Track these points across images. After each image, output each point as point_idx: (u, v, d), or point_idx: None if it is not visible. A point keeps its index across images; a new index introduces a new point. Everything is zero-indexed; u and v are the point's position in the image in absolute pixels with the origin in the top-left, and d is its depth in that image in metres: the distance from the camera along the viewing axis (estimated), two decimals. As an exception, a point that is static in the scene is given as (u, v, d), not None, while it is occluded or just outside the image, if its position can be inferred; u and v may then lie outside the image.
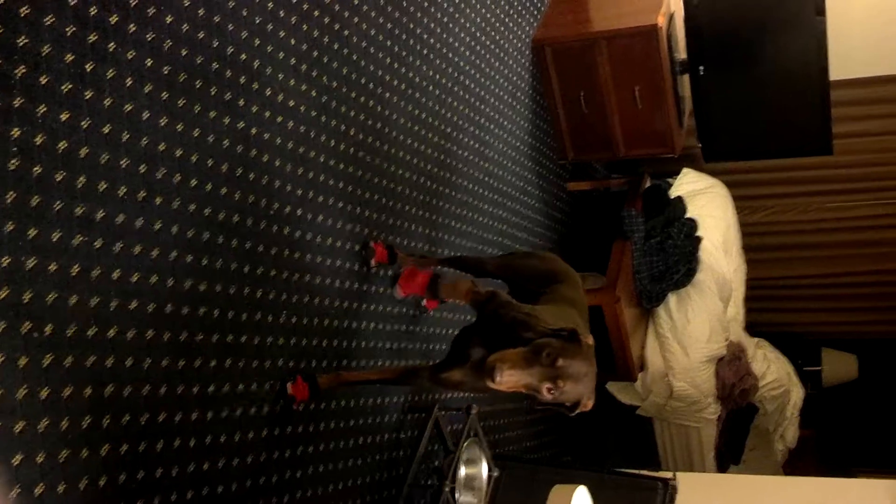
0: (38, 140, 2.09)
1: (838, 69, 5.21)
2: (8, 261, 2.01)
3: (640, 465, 4.32)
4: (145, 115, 2.41)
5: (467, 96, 4.33)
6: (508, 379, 2.28)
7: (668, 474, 4.07)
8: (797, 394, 6.11)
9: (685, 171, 5.85)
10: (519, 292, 3.07)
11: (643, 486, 4.03)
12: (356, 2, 3.44)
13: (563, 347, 2.33)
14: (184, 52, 2.56)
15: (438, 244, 4.00)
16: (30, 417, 2.05)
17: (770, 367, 5.93)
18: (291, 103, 3.04)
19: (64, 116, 2.16)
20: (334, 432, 3.24)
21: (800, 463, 6.50)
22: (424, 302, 3.79)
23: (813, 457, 6.88)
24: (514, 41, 4.92)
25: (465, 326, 2.88)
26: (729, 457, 6.05)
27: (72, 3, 2.18)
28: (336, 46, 3.31)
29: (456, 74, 4.23)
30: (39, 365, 2.08)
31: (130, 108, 2.36)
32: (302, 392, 2.99)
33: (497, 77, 4.68)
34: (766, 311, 6.87)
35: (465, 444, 3.52)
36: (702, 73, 5.13)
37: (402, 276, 3.58)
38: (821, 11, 4.79)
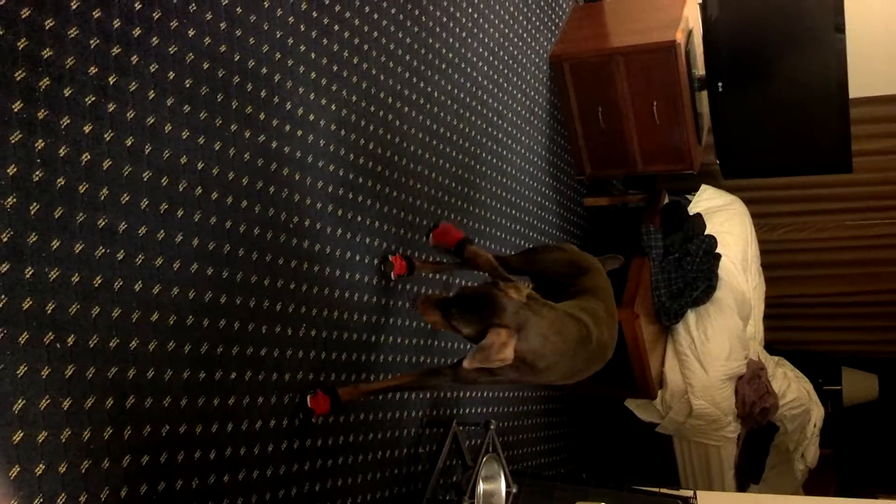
0: (62, 152, 2.10)
1: (857, 87, 5.19)
2: (31, 272, 2.02)
3: (660, 483, 4.29)
4: (167, 127, 2.42)
5: (485, 111, 4.34)
6: (421, 307, 2.71)
7: (688, 492, 4.04)
8: (817, 413, 6.06)
9: (703, 187, 5.84)
10: (544, 286, 3.13)
11: (662, 503, 4.00)
12: (376, 17, 3.45)
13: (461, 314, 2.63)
14: (206, 66, 2.57)
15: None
16: (52, 428, 2.05)
17: (790, 386, 5.88)
18: (311, 117, 3.06)
19: (87, 128, 2.17)
20: (353, 446, 3.23)
21: (818, 483, 6.44)
22: None
23: (832, 477, 6.82)
24: (532, 56, 4.93)
25: None
26: (749, 475, 6.01)
27: (96, 16, 2.20)
28: (356, 61, 3.32)
29: (474, 89, 4.24)
30: (62, 376, 2.08)
31: (153, 120, 2.37)
32: (322, 405, 2.99)
33: (515, 92, 4.69)
34: (785, 329, 6.83)
35: (484, 459, 3.50)
36: (720, 89, 5.12)
37: (437, 230, 3.67)
38: (840, 29, 4.77)
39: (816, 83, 4.99)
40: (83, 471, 2.13)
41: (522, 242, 4.71)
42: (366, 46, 3.38)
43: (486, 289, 2.63)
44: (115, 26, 2.26)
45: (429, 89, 3.82)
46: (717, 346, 5.18)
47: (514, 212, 4.62)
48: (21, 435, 1.97)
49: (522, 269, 3.34)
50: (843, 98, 4.93)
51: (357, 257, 3.28)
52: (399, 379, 3.30)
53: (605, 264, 3.35)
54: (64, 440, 2.08)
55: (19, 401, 1.97)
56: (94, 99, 2.19)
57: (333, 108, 3.18)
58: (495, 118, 4.44)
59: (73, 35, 2.14)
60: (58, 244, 2.09)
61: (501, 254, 4.28)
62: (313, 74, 3.08)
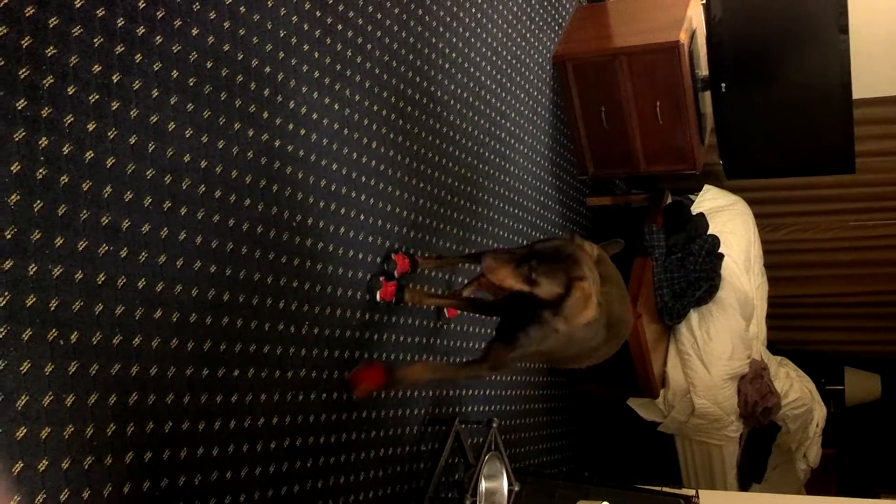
0: (66, 150, 2.12)
1: (861, 87, 5.19)
2: (35, 269, 2.03)
3: (662, 482, 4.30)
4: (171, 126, 2.43)
5: (488, 111, 4.35)
6: (491, 266, 2.55)
7: (690, 491, 4.05)
8: (820, 413, 6.07)
9: (706, 187, 5.85)
10: None
11: (664, 502, 4.01)
12: (379, 16, 3.46)
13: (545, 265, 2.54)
14: (209, 65, 2.58)
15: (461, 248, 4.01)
16: (55, 424, 2.06)
17: (793, 386, 5.89)
18: (315, 116, 3.06)
19: (91, 127, 2.19)
20: (355, 443, 3.24)
21: (821, 482, 6.45)
22: (446, 311, 3.80)
23: (834, 476, 6.82)
24: (536, 56, 4.93)
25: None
26: (751, 475, 6.01)
27: (100, 15, 2.21)
28: (359, 60, 3.33)
29: (477, 89, 4.25)
30: (65, 372, 2.09)
31: (156, 119, 2.38)
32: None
33: (518, 92, 4.70)
34: (788, 329, 6.83)
35: (486, 457, 3.51)
36: (723, 90, 5.12)
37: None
38: (844, 30, 4.78)
39: (820, 84, 4.99)
40: (86, 467, 2.14)
41: (525, 241, 4.71)
42: (369, 46, 3.39)
43: (562, 243, 2.58)
44: (119, 25, 2.27)
45: (432, 89, 3.83)
46: (720, 345, 5.19)
47: (517, 211, 4.63)
48: (24, 431, 1.98)
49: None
50: (846, 99, 4.93)
51: (360, 255, 3.29)
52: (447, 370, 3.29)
53: (606, 250, 3.35)
54: (67, 437, 2.09)
55: (23, 397, 1.98)
56: (97, 97, 2.20)
57: (337, 107, 3.19)
58: (498, 118, 4.45)
59: (77, 33, 2.15)
60: (61, 241, 2.10)
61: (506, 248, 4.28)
62: (317, 73, 3.09)
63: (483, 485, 3.52)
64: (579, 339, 2.80)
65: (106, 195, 2.22)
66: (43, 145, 2.05)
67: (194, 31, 2.53)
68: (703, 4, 5.05)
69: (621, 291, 3.10)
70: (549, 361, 3.02)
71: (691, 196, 5.81)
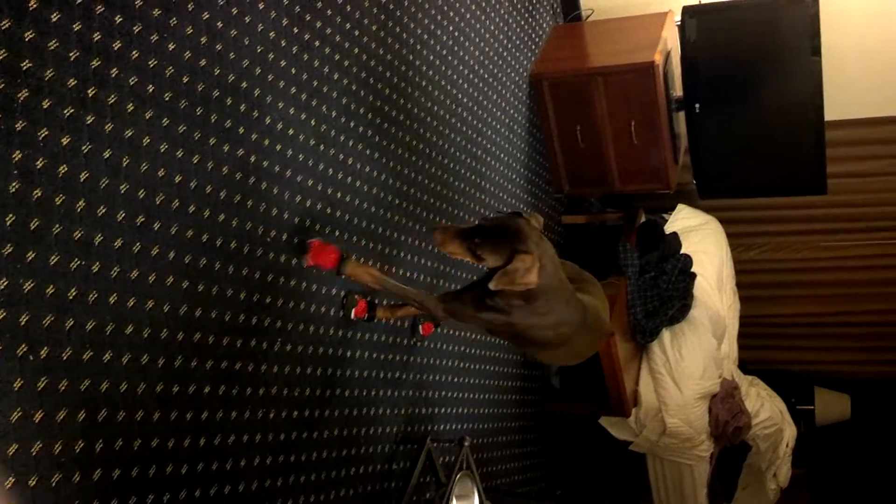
0: (39, 164, 2.10)
1: (833, 109, 5.24)
2: (5, 283, 2.01)
3: (633, 502, 4.30)
4: (146, 140, 2.42)
5: (464, 128, 4.36)
6: (439, 239, 2.68)
7: (661, 510, 4.06)
8: (790, 432, 6.09)
9: (680, 207, 5.88)
10: None
11: (635, 521, 4.02)
12: (356, 34, 3.47)
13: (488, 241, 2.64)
14: (185, 80, 2.57)
15: (433, 274, 4.01)
16: (23, 441, 2.04)
17: (763, 406, 5.91)
18: (291, 132, 3.06)
19: (65, 140, 2.17)
20: (326, 462, 3.22)
21: (791, 502, 6.47)
22: (421, 329, 3.79)
23: (804, 496, 6.85)
24: (512, 75, 4.95)
25: None
26: (722, 495, 6.02)
27: (76, 29, 2.20)
28: (336, 77, 3.33)
29: (453, 106, 4.26)
30: (34, 388, 2.07)
31: (131, 133, 2.37)
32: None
33: (494, 110, 4.71)
34: (759, 348, 6.86)
35: (458, 477, 3.50)
36: (697, 110, 5.16)
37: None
38: (817, 52, 4.83)
39: (792, 105, 5.04)
40: (54, 484, 2.12)
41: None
42: (346, 63, 3.40)
43: (509, 218, 2.68)
44: (96, 39, 2.26)
45: (408, 105, 3.84)
46: (692, 364, 5.20)
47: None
48: (-8, 447, 1.96)
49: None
50: (818, 120, 4.98)
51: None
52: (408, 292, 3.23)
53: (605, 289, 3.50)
54: (35, 453, 2.07)
55: (-10, 413, 1.96)
56: (72, 111, 2.19)
57: (313, 122, 3.19)
58: (474, 135, 4.46)
59: (52, 47, 2.14)
60: (33, 255, 2.08)
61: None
62: (293, 90, 3.08)
63: (454, 504, 3.52)
64: (542, 315, 2.84)
65: (79, 209, 2.21)
66: (16, 159, 2.04)
67: (171, 46, 2.52)
68: (677, 26, 5.08)
69: (600, 291, 3.25)
70: (520, 341, 3.04)
71: (665, 215, 5.83)
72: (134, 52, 2.39)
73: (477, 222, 2.73)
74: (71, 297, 2.18)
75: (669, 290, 5.24)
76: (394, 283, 3.18)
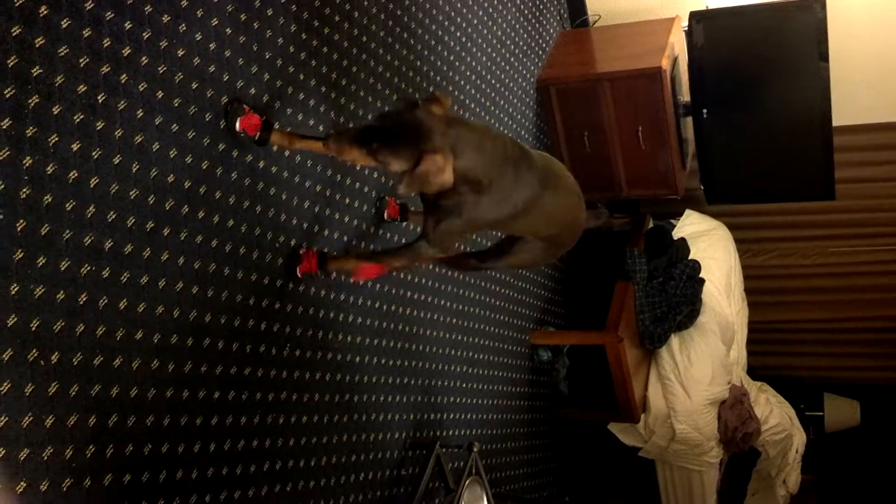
0: (50, 169, 2.11)
1: (841, 115, 5.24)
2: (16, 288, 2.01)
3: (642, 507, 4.29)
4: (155, 146, 2.43)
5: (473, 135, 4.35)
6: (335, 148, 2.46)
7: (670, 516, 4.05)
8: (799, 439, 6.07)
9: (688, 212, 5.87)
10: None
11: (645, 527, 4.01)
12: (364, 39, 3.48)
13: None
14: (195, 85, 2.58)
15: (432, 291, 4.01)
16: (34, 446, 2.04)
17: (773, 412, 5.89)
18: (299, 138, 3.06)
19: (75, 146, 2.18)
20: (335, 467, 3.22)
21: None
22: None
23: (813, 503, 6.83)
24: (519, 80, 4.96)
25: None
26: (731, 501, 6.00)
27: (86, 35, 2.21)
28: (343, 83, 3.34)
29: (461, 111, 4.26)
30: (45, 393, 2.08)
31: (141, 139, 2.38)
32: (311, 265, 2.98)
33: (501, 115, 4.72)
34: (768, 354, 6.85)
35: (467, 482, 3.50)
36: (705, 115, 5.16)
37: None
38: (824, 57, 4.82)
39: (800, 111, 5.03)
40: (64, 489, 2.12)
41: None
42: (354, 68, 3.40)
43: (407, 113, 2.41)
44: (105, 45, 2.27)
45: (416, 112, 3.84)
46: (701, 370, 5.19)
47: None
48: (2, 452, 1.96)
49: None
50: (826, 126, 4.97)
51: (343, 277, 3.29)
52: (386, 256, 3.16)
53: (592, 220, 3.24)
54: (46, 458, 2.07)
55: (2, 418, 1.96)
56: (82, 117, 2.20)
57: (321, 129, 3.20)
58: (482, 141, 4.46)
59: (62, 53, 2.14)
60: (44, 261, 2.09)
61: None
62: (301, 95, 3.09)
63: (464, 509, 3.51)
64: (500, 203, 2.64)
65: (89, 215, 2.21)
66: (27, 165, 2.05)
67: (180, 52, 2.53)
68: (685, 31, 5.08)
69: (567, 184, 2.98)
70: (494, 227, 2.90)
71: (672, 221, 5.82)
72: (143, 58, 2.40)
73: (372, 120, 2.46)
74: (81, 303, 2.18)
75: (678, 296, 5.24)
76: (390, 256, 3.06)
